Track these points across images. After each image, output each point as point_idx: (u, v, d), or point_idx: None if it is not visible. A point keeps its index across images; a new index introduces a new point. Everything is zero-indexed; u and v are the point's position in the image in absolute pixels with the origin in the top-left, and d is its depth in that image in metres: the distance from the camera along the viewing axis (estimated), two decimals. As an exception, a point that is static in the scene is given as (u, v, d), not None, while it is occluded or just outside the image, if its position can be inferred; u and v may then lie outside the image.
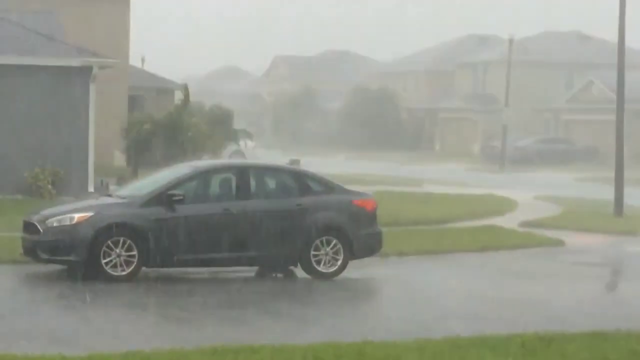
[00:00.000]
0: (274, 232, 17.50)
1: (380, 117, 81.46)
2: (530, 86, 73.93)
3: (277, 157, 43.54)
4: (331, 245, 17.83)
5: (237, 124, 45.78)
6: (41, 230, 16.92)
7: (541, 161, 62.56)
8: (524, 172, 55.81)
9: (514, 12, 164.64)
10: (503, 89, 63.81)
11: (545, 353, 11.12)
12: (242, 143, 48.26)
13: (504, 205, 32.34)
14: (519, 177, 51.52)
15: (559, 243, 23.84)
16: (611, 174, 31.15)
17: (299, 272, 18.08)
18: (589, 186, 44.22)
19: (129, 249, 16.76)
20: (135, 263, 16.79)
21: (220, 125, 38.27)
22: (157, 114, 34.69)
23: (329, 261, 17.84)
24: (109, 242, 16.68)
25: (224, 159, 32.61)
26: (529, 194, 37.56)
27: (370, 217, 18.43)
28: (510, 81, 62.70)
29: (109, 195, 18.58)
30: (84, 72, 28.13)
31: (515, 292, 16.97)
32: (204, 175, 18.03)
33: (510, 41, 63.82)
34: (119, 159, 40.85)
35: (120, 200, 17.60)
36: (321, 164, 45.82)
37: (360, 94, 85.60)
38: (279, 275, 18.29)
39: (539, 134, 70.65)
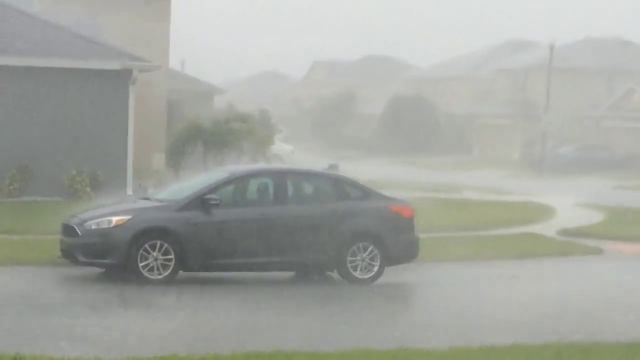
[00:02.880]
0: (310, 238, 17.52)
1: (418, 123, 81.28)
2: (570, 93, 73.48)
3: (316, 162, 43.58)
4: (367, 251, 17.83)
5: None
6: (79, 233, 17.05)
7: (581, 168, 62.13)
8: (563, 179, 55.46)
9: (553, 18, 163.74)
10: (542, 96, 63.46)
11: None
12: (280, 147, 48.27)
13: (543, 213, 32.14)
14: (558, 184, 51.20)
15: (598, 251, 23.66)
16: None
17: (336, 277, 18.07)
18: (630, 194, 43.85)
19: (166, 253, 16.86)
20: (172, 267, 16.90)
21: (259, 130, 38.30)
22: (197, 118, 34.75)
23: (366, 267, 17.84)
24: (146, 245, 16.80)
25: (260, 164, 32.68)
26: (569, 201, 37.32)
27: (407, 223, 18.39)
28: (550, 88, 62.33)
29: (147, 199, 18.68)
30: (124, 75, 28.30)
31: (552, 301, 16.86)
32: (241, 180, 18.08)
33: (551, 47, 63.46)
34: (158, 161, 41.04)
35: (157, 204, 17.70)
36: (360, 169, 45.81)
37: (398, 99, 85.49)
38: (316, 279, 18.29)
39: (578, 141, 70.20)
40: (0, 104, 27.82)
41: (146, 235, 16.86)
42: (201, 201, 17.23)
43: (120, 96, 28.30)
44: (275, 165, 28.62)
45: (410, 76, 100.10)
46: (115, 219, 17.03)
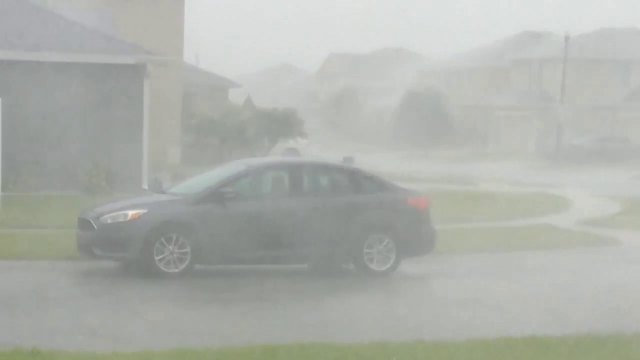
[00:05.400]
0: (326, 230, 17.48)
1: (434, 115, 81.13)
2: (586, 84, 73.22)
3: (331, 155, 43.55)
4: (384, 244, 17.79)
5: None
6: (95, 227, 17.04)
7: (597, 159, 61.90)
8: (580, 170, 55.29)
9: (569, 8, 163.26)
10: (558, 87, 63.22)
11: (599, 354, 10.98)
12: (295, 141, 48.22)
13: (559, 204, 32.05)
14: (575, 175, 51.05)
15: (615, 242, 23.54)
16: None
17: (352, 269, 18.03)
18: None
19: (182, 246, 16.84)
20: (188, 260, 16.87)
21: (276, 124, 38.34)
22: (211, 111, 34.82)
23: (382, 259, 17.80)
24: (162, 239, 16.78)
25: (277, 157, 32.68)
26: (585, 192, 37.18)
27: (423, 215, 18.35)
28: (566, 79, 62.11)
29: (163, 192, 18.67)
30: (139, 70, 28.31)
31: (569, 292, 16.79)
32: (257, 173, 18.05)
33: (566, 38, 63.23)
34: (173, 155, 41.09)
35: (173, 197, 17.69)
36: (375, 161, 45.78)
37: (414, 92, 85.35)
38: (332, 271, 18.25)
39: (595, 132, 69.94)
40: (15, 98, 27.86)
41: (162, 228, 16.84)
42: (217, 194, 17.20)
43: (135, 90, 28.33)
44: (292, 158, 28.62)
45: (425, 68, 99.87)
46: (131, 213, 17.01)
